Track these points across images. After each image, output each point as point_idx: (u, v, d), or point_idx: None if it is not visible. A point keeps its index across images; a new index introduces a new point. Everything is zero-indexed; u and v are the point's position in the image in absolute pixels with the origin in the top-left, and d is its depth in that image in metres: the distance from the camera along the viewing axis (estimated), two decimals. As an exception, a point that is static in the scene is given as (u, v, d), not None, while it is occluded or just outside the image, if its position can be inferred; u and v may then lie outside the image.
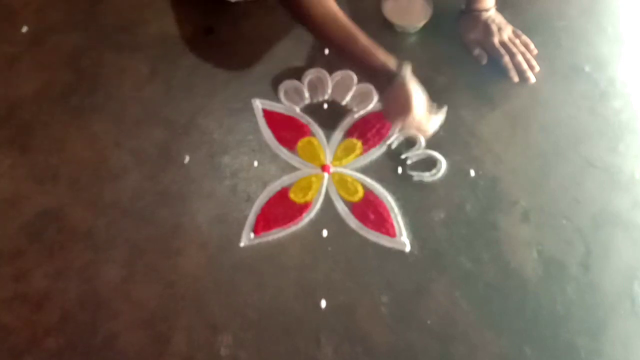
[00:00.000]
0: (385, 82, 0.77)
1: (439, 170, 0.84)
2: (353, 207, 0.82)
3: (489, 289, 0.76)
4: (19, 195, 0.85)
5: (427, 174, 0.84)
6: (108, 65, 0.96)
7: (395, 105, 0.78)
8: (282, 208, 0.82)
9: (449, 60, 0.94)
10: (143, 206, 0.83)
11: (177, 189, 0.84)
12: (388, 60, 0.76)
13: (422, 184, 0.83)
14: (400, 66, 0.76)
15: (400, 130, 0.86)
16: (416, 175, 0.84)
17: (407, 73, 0.76)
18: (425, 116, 0.79)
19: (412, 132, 0.84)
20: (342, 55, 0.82)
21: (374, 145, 0.87)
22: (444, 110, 0.85)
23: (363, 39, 0.76)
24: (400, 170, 0.85)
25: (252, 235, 0.80)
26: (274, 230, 0.81)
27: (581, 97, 0.90)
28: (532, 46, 0.93)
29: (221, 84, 0.93)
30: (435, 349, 0.72)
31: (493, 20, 0.93)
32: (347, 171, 0.86)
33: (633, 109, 0.89)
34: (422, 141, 0.86)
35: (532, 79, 0.91)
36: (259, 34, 0.98)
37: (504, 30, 0.93)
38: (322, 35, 0.79)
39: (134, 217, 0.82)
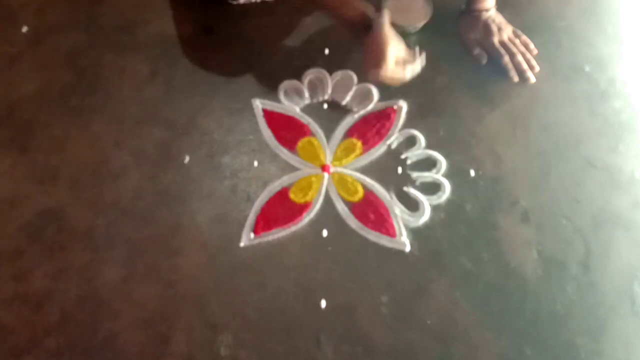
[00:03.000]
0: (363, 31, 0.76)
1: (439, 170, 0.84)
2: (353, 207, 0.82)
3: (489, 289, 0.76)
4: (19, 195, 0.85)
5: (427, 173, 0.84)
6: (108, 65, 0.96)
7: (371, 54, 0.77)
8: (282, 208, 0.82)
9: (449, 60, 0.94)
10: (143, 206, 0.83)
11: (177, 189, 0.84)
12: (365, 8, 0.75)
13: (422, 184, 0.84)
14: (377, 14, 0.75)
15: (376, 79, 0.83)
16: (416, 175, 0.84)
17: (385, 21, 0.75)
18: (400, 64, 0.78)
19: (388, 80, 0.81)
20: (318, 6, 0.81)
21: (374, 145, 0.87)
22: (423, 57, 0.84)
23: None
24: (400, 170, 0.85)
25: (252, 235, 0.80)
26: (274, 230, 0.81)
27: (581, 97, 0.90)
28: (532, 46, 0.93)
29: (221, 84, 0.93)
30: (435, 349, 0.72)
31: (493, 20, 0.93)
32: (347, 171, 0.86)
33: (633, 109, 0.89)
34: (422, 141, 0.86)
35: (532, 79, 0.91)
36: (259, 34, 0.98)
37: (504, 30, 0.93)
38: None
39: (134, 217, 0.82)
